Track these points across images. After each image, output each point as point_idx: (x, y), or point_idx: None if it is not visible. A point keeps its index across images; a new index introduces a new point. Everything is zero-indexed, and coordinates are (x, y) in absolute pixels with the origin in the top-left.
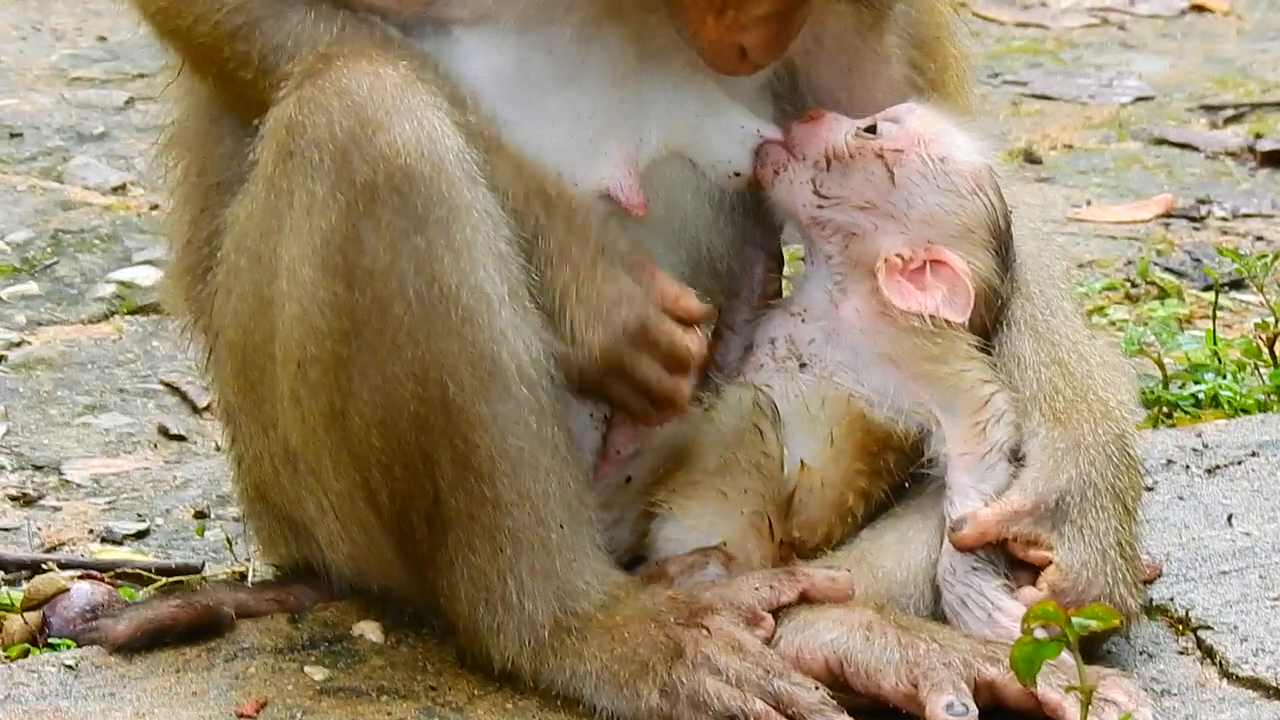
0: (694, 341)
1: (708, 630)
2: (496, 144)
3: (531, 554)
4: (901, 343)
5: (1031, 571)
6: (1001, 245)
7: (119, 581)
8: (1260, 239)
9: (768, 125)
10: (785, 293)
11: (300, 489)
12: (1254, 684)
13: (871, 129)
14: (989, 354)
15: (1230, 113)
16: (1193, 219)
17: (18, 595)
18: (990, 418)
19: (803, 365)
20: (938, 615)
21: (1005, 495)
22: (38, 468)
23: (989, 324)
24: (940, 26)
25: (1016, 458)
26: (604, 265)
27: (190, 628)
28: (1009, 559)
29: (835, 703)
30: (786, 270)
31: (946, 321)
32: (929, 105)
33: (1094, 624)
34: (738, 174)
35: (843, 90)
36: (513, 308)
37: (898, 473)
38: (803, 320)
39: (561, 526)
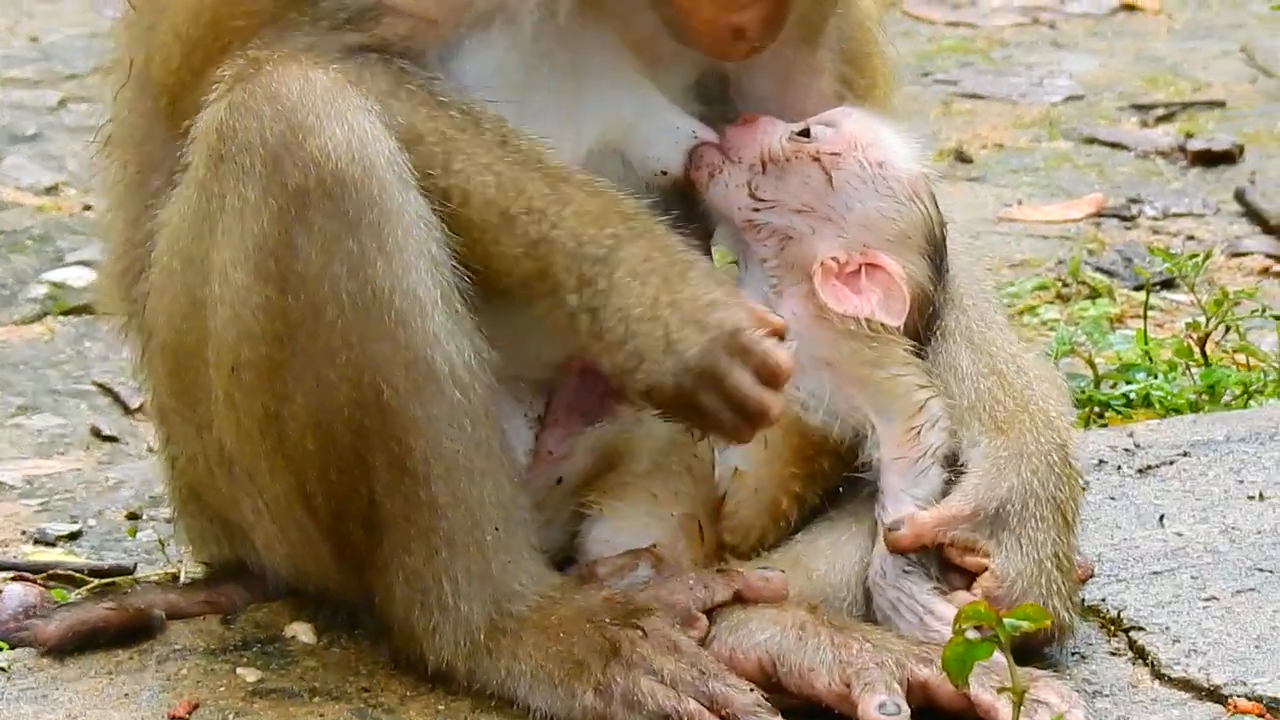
0: (786, 355)
1: (643, 630)
2: (565, 171)
3: (466, 556)
4: (837, 346)
5: (965, 576)
6: (937, 252)
7: (51, 583)
8: (1191, 238)
9: (702, 126)
10: None
11: (236, 491)
12: (1186, 685)
13: (805, 133)
14: (924, 360)
15: (1161, 112)
16: (1124, 218)
17: None
18: (925, 423)
19: None
20: (871, 618)
21: (945, 500)
22: None
23: (922, 331)
24: (870, 43)
25: (951, 464)
26: (695, 275)
27: (122, 630)
28: (941, 563)
29: (769, 704)
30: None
31: (882, 325)
32: (863, 110)
33: (1025, 625)
34: (665, 173)
35: (774, 101)
36: (445, 311)
37: (832, 476)
38: None
39: (496, 528)
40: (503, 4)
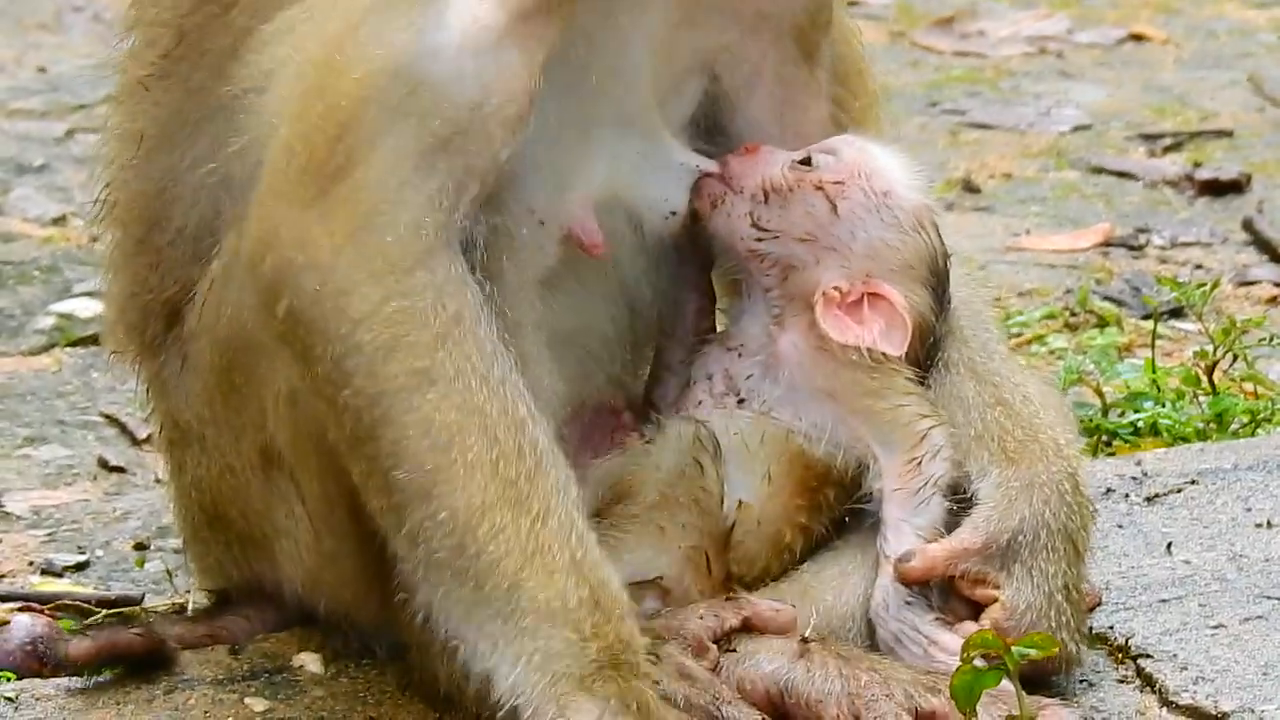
0: None
1: (655, 657)
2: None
3: None
4: (839, 377)
5: (971, 606)
6: (940, 283)
7: (59, 613)
8: (1199, 267)
9: (704, 160)
10: (720, 327)
11: (272, 498)
12: (1193, 712)
13: (806, 161)
14: (927, 390)
15: (1168, 141)
16: (1131, 248)
17: None
18: (926, 453)
19: (740, 401)
20: (877, 649)
21: (957, 531)
22: None
23: (924, 361)
24: (859, 60)
25: (954, 494)
26: None
27: (146, 656)
28: (944, 593)
29: None
30: (719, 304)
31: (884, 355)
32: (864, 138)
33: (1033, 652)
34: (674, 213)
35: (776, 124)
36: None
37: (837, 507)
38: (739, 355)
39: None
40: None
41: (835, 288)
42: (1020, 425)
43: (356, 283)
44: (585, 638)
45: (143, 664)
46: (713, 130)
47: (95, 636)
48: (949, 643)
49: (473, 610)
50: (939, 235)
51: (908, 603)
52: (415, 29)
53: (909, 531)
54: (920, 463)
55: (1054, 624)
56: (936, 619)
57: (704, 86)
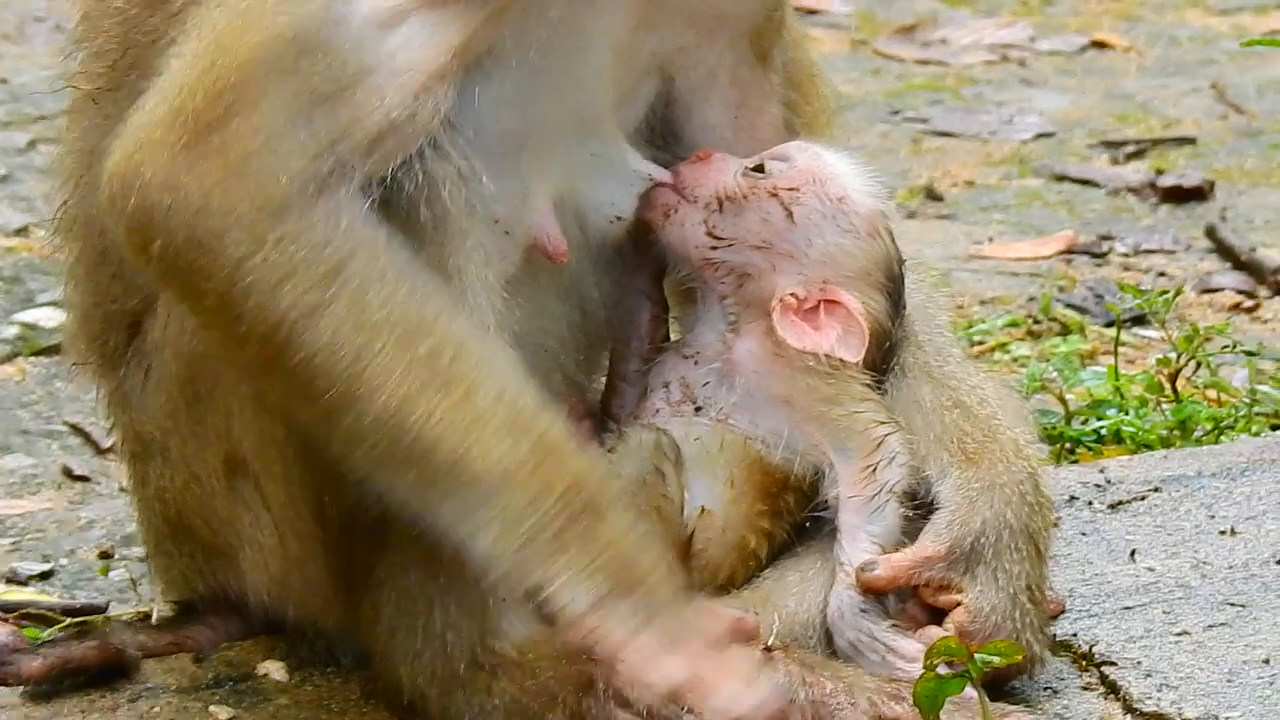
0: None
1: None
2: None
3: (464, 588)
4: (795, 383)
5: (931, 611)
6: (896, 289)
7: (24, 622)
8: (1162, 275)
9: (656, 169)
10: (675, 336)
11: (235, 505)
12: (1158, 719)
13: (759, 168)
14: (883, 396)
15: (1131, 149)
16: (1094, 255)
17: None
18: (882, 459)
19: (698, 408)
20: (839, 655)
21: (920, 538)
22: None
23: (880, 367)
24: (811, 65)
25: (911, 500)
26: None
27: (103, 668)
28: (901, 597)
29: None
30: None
31: (841, 361)
32: (817, 144)
33: (997, 660)
34: (619, 218)
35: (730, 128)
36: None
37: (799, 512)
38: (695, 363)
39: None
40: (490, 48)
41: (792, 294)
42: (979, 427)
43: (229, 227)
44: (539, 493)
45: (103, 675)
46: (665, 134)
47: (48, 654)
48: (906, 649)
49: (425, 494)
50: (894, 241)
51: (863, 610)
52: (324, 2)
53: (864, 539)
54: (875, 469)
55: (1018, 625)
56: (893, 625)
57: (657, 89)
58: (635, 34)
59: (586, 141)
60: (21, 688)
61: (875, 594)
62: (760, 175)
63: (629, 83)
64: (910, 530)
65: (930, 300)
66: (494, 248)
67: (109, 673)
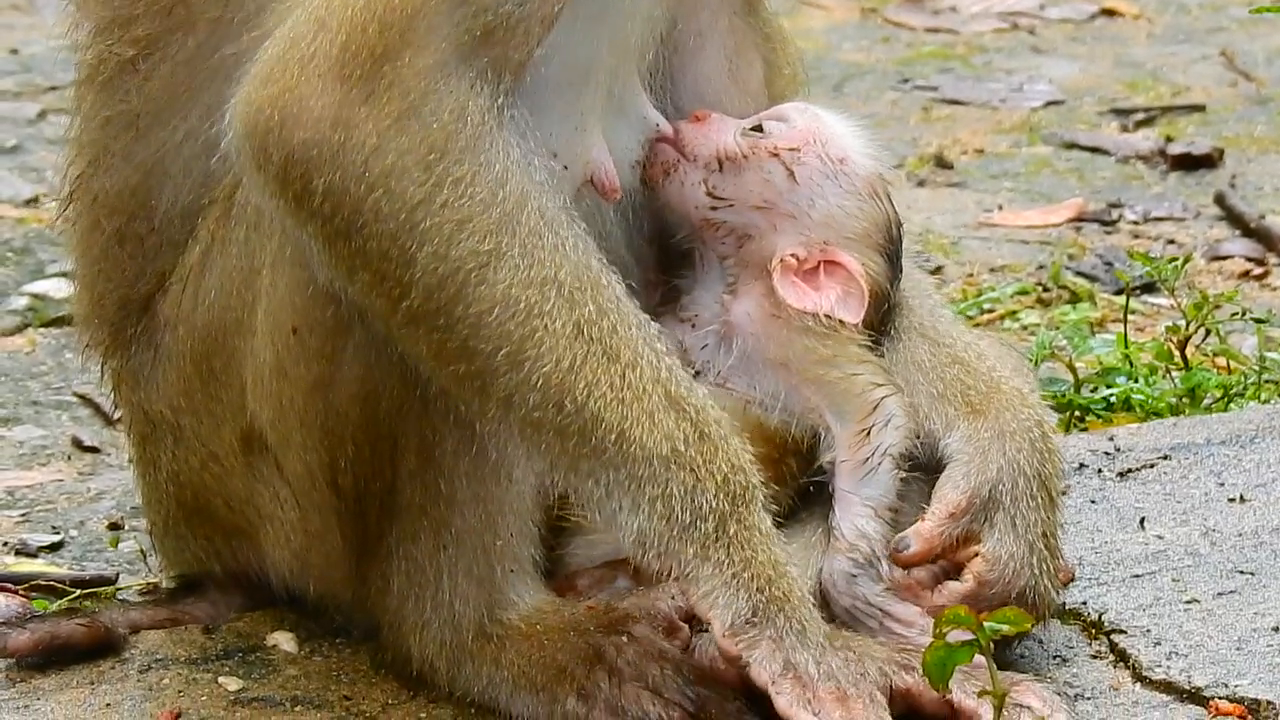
0: None
1: (627, 637)
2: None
3: (472, 556)
4: (793, 345)
5: (929, 573)
6: (894, 250)
7: (34, 594)
8: (1171, 242)
9: (661, 117)
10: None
11: (254, 481)
12: (1167, 687)
13: (759, 128)
14: (881, 358)
15: (1141, 116)
16: (1104, 223)
17: None
18: (877, 422)
19: (696, 373)
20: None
21: (937, 495)
22: None
23: (878, 328)
24: (783, 29)
25: (909, 462)
26: None
27: (90, 646)
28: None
29: (752, 713)
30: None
31: (840, 322)
32: (814, 104)
33: (1005, 628)
34: (638, 163)
35: (725, 77)
36: None
37: (801, 476)
38: (693, 326)
39: (512, 535)
40: None
41: (792, 254)
42: (980, 380)
43: (406, 168)
44: (700, 478)
45: (91, 653)
46: (663, 83)
47: (35, 629)
48: (902, 613)
49: (580, 462)
50: (892, 203)
51: (853, 575)
52: None
53: (856, 504)
54: (870, 432)
55: (1035, 572)
56: (886, 589)
57: (662, 34)
58: None
59: (614, 82)
60: (31, 658)
61: (912, 566)
62: (760, 135)
63: (654, 20)
64: (908, 493)
65: (912, 263)
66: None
67: (99, 650)
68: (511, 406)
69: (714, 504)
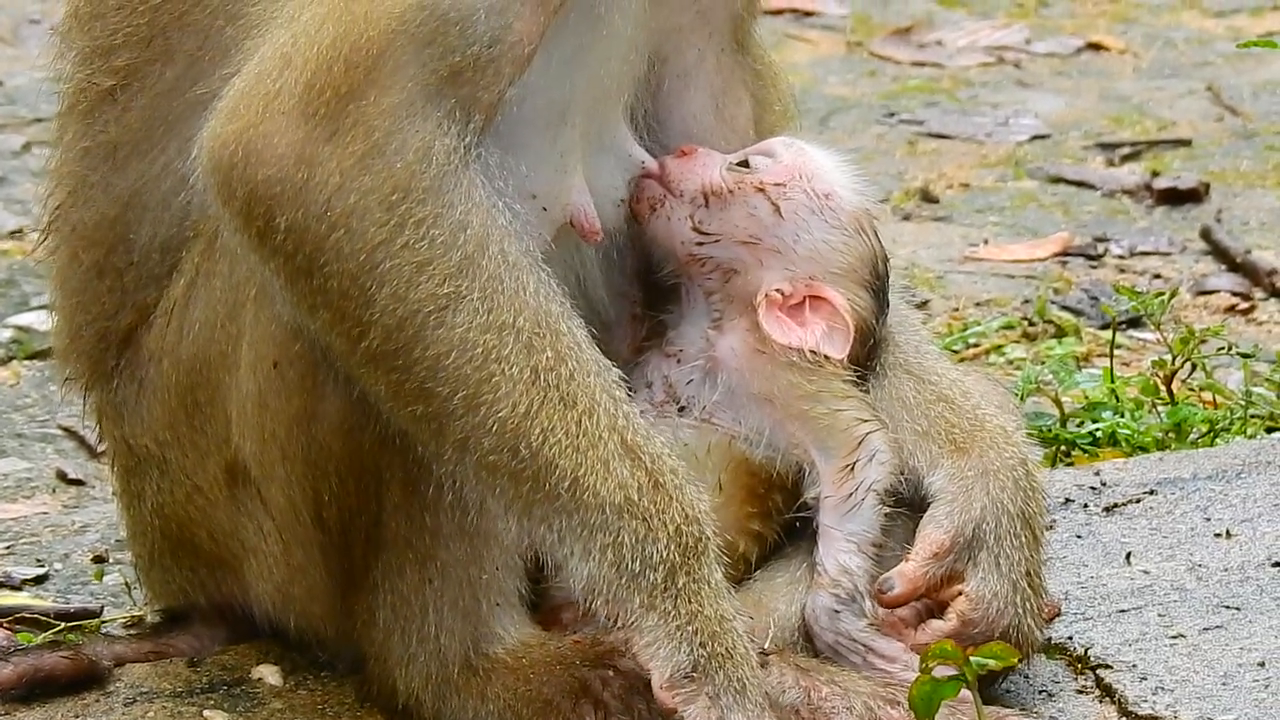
0: None
1: (614, 671)
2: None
3: (457, 590)
4: (777, 380)
5: (913, 611)
6: (881, 286)
7: (18, 626)
8: (1157, 277)
9: (646, 155)
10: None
11: (239, 515)
12: None
13: (744, 163)
14: (866, 394)
15: (1126, 150)
16: (1090, 257)
17: None
18: (861, 458)
19: (681, 408)
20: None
21: (921, 534)
22: None
23: (864, 364)
24: (774, 66)
25: (893, 498)
26: None
27: (73, 679)
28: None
29: None
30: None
31: (825, 358)
32: (801, 140)
33: (992, 663)
34: (622, 201)
35: (712, 116)
36: None
37: (787, 511)
38: (678, 361)
39: (497, 568)
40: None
41: (778, 290)
42: (965, 417)
43: (369, 208)
44: (651, 528)
45: (74, 685)
46: (650, 121)
47: (19, 662)
48: (886, 649)
49: (534, 507)
50: (878, 238)
51: (836, 611)
52: None
53: (840, 539)
54: (854, 468)
55: (1019, 611)
56: (868, 625)
57: (647, 72)
58: (651, 7)
59: (595, 120)
60: (15, 691)
61: (894, 605)
62: (746, 170)
63: (634, 61)
64: (892, 529)
65: (899, 298)
66: (531, 221)
67: (83, 683)
68: (467, 449)
69: (664, 554)
